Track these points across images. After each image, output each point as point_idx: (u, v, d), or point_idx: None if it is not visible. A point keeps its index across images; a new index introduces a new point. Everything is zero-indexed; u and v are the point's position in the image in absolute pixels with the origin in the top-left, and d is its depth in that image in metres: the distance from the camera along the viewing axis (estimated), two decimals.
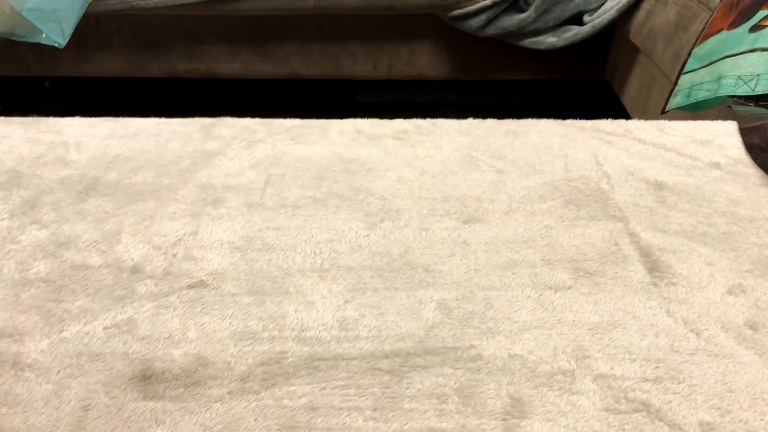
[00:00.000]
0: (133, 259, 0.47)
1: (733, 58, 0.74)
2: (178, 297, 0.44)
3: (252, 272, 0.46)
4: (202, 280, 0.46)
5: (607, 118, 0.67)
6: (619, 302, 0.44)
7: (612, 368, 0.39)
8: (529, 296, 0.44)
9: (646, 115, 1.26)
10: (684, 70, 0.86)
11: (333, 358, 0.40)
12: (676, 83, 0.87)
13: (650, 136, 0.63)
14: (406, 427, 0.36)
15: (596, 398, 0.38)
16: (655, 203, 0.54)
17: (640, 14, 1.28)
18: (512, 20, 1.35)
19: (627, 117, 1.18)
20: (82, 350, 0.40)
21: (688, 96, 0.81)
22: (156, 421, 0.36)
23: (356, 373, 0.39)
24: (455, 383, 0.38)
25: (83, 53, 1.52)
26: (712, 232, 0.50)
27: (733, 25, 0.79)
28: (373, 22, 1.48)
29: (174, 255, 0.48)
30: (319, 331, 0.41)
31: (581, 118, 0.67)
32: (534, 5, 1.33)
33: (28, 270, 0.46)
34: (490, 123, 0.65)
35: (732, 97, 0.72)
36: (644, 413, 0.37)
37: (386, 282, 0.45)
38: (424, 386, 0.38)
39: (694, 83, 0.80)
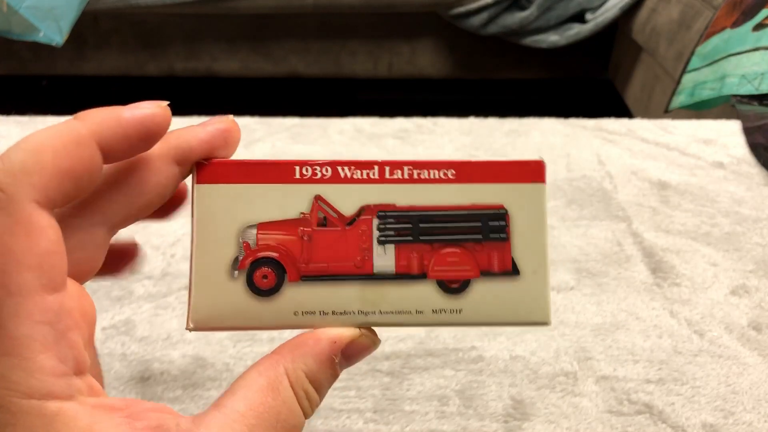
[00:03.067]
0: None
1: (736, 56, 0.74)
2: (176, 297, 0.44)
3: None
4: None
5: (609, 117, 0.66)
6: (622, 303, 0.44)
7: (615, 370, 0.39)
8: None
9: (648, 114, 1.26)
10: (687, 69, 0.85)
11: None
12: (679, 82, 0.86)
13: (653, 135, 0.63)
14: (407, 429, 0.36)
15: (599, 400, 0.37)
16: (658, 203, 0.53)
17: (643, 12, 1.28)
18: (514, 18, 1.35)
19: (630, 116, 1.18)
20: None
21: (692, 95, 0.80)
22: None
23: (356, 374, 0.39)
24: (456, 385, 0.38)
25: (81, 52, 1.52)
26: (715, 233, 0.50)
27: (737, 23, 0.78)
28: (373, 20, 1.47)
29: (172, 255, 0.47)
30: None
31: (583, 117, 0.67)
32: (536, 3, 1.32)
33: None
34: (492, 122, 0.65)
35: (736, 95, 0.71)
36: (647, 415, 0.36)
37: None
38: (425, 388, 0.38)
39: (698, 82, 0.80)
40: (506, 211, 0.19)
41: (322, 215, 0.19)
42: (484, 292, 0.19)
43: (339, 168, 0.19)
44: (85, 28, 1.45)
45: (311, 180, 0.19)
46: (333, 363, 0.18)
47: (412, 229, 0.19)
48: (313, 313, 0.19)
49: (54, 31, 1.09)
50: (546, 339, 0.41)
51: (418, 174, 0.19)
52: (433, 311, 0.19)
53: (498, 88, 1.65)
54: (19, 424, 0.14)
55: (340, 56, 1.52)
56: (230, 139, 0.20)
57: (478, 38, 1.45)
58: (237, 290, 0.19)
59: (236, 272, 0.19)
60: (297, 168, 0.19)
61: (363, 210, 0.19)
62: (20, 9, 1.05)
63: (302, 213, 0.19)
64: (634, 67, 1.35)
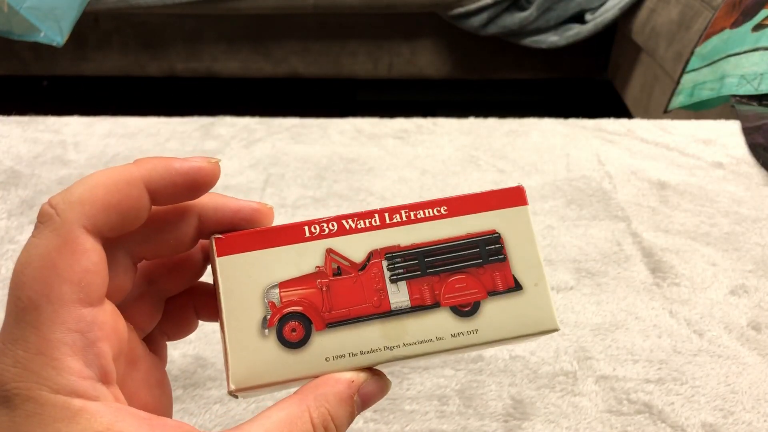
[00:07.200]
0: None
1: (736, 57, 0.74)
2: None
3: None
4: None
5: (609, 117, 0.66)
6: (621, 303, 0.44)
7: (614, 369, 0.39)
8: None
9: (648, 115, 1.26)
10: (686, 69, 0.85)
11: None
12: (678, 82, 0.86)
13: (653, 135, 0.63)
14: (407, 428, 0.36)
15: (598, 400, 0.37)
16: (657, 203, 0.53)
17: (643, 13, 1.28)
18: (514, 19, 1.35)
19: (629, 116, 1.18)
20: None
21: (691, 95, 0.81)
22: None
23: None
24: (456, 384, 0.38)
25: (82, 52, 1.52)
26: (714, 233, 0.50)
27: (736, 24, 0.79)
28: (373, 21, 1.48)
29: None
30: None
31: (583, 117, 0.67)
32: (535, 4, 1.32)
33: None
34: (492, 122, 0.65)
35: (735, 96, 0.71)
36: (647, 414, 0.36)
37: None
38: (425, 387, 0.38)
39: (697, 82, 0.80)
40: (499, 234, 0.21)
41: (336, 265, 0.21)
42: (494, 310, 0.21)
43: (344, 221, 0.22)
44: (86, 28, 1.45)
45: (320, 236, 0.21)
46: (352, 402, 0.20)
47: (419, 264, 0.21)
48: (343, 356, 0.20)
49: (55, 32, 1.09)
50: (546, 339, 0.41)
51: (415, 215, 0.21)
52: (452, 335, 0.21)
53: (498, 88, 1.65)
54: (45, 414, 0.16)
55: (340, 56, 1.52)
56: (258, 221, 0.21)
57: (478, 38, 1.45)
58: (270, 347, 0.20)
59: (266, 330, 0.20)
60: (306, 228, 0.21)
61: (372, 255, 0.21)
62: (21, 9, 1.05)
63: (317, 266, 0.21)
64: (634, 67, 1.35)
